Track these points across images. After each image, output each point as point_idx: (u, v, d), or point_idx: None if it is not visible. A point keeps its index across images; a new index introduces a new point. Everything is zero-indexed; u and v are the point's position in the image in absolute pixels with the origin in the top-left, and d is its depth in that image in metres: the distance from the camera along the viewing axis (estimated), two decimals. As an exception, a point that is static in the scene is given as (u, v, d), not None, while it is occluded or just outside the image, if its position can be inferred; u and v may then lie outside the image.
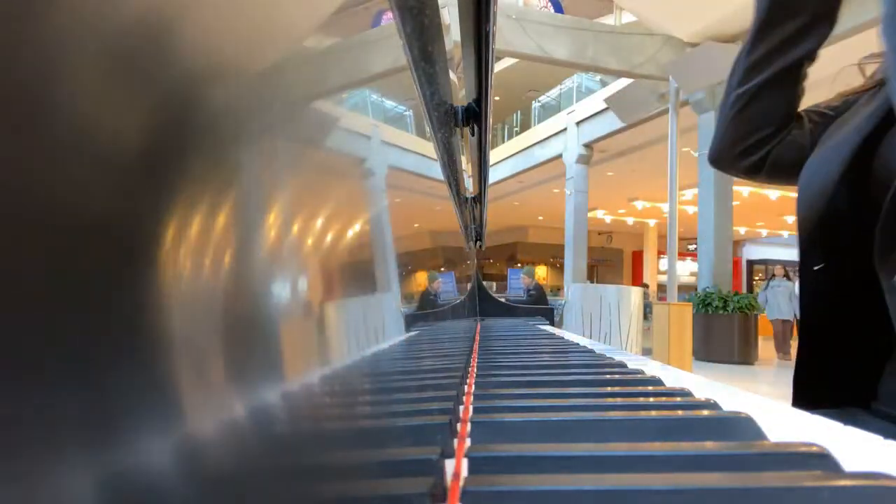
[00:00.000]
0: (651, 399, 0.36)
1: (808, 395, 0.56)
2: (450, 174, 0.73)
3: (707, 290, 6.42)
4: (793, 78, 0.64)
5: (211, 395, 0.09)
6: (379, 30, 0.31)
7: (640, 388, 0.41)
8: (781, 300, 6.88)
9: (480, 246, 1.82)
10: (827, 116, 0.65)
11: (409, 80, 0.41)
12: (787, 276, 7.11)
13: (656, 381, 0.42)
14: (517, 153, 11.30)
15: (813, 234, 0.58)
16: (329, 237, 0.17)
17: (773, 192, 10.75)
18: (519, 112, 12.61)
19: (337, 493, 0.15)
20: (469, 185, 1.14)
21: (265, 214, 0.12)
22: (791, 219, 13.13)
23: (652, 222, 14.48)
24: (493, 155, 10.52)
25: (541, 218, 15.42)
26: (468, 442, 0.28)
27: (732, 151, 0.68)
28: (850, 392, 0.55)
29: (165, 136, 0.08)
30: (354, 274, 0.21)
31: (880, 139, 0.54)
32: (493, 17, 0.52)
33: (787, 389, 0.58)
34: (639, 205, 12.75)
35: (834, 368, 0.56)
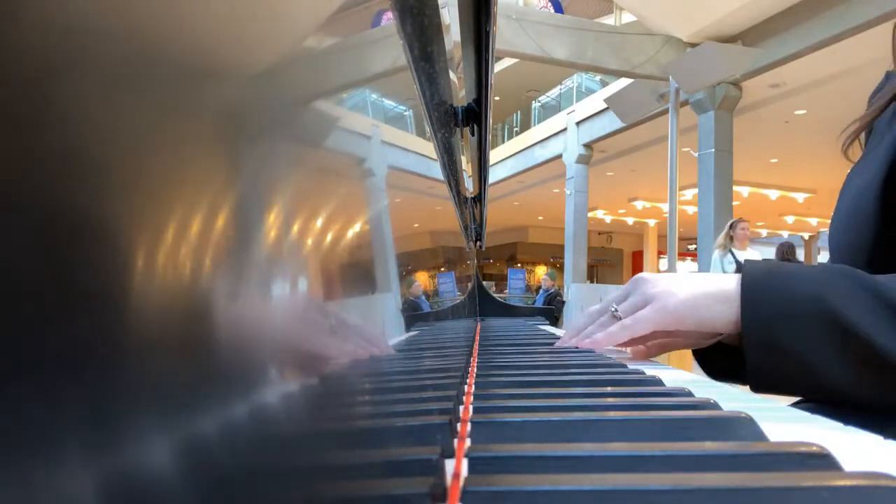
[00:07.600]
0: (651, 399, 0.36)
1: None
2: (450, 174, 0.73)
3: (707, 290, 6.39)
4: None
5: (210, 395, 0.09)
6: (379, 30, 0.31)
7: (639, 388, 0.41)
8: None
9: (480, 246, 1.82)
10: None
11: (409, 80, 0.41)
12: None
13: (656, 382, 0.42)
14: (517, 153, 11.28)
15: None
16: (329, 237, 0.17)
17: (773, 192, 10.74)
18: (519, 112, 12.60)
19: (336, 493, 0.15)
20: (469, 185, 1.14)
21: (265, 215, 0.12)
22: (791, 219, 13.12)
23: (652, 222, 14.46)
24: (493, 155, 10.51)
25: (541, 218, 15.42)
26: (468, 442, 0.28)
27: None
28: None
29: (163, 136, 0.08)
30: (355, 274, 0.21)
31: None
32: (493, 17, 0.52)
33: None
34: (639, 205, 12.74)
35: None
